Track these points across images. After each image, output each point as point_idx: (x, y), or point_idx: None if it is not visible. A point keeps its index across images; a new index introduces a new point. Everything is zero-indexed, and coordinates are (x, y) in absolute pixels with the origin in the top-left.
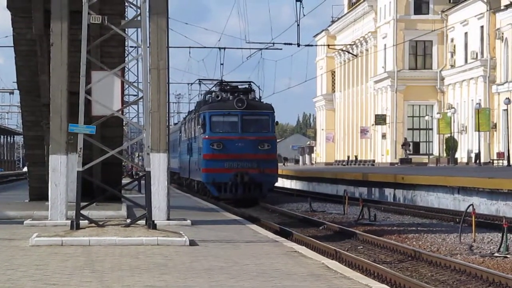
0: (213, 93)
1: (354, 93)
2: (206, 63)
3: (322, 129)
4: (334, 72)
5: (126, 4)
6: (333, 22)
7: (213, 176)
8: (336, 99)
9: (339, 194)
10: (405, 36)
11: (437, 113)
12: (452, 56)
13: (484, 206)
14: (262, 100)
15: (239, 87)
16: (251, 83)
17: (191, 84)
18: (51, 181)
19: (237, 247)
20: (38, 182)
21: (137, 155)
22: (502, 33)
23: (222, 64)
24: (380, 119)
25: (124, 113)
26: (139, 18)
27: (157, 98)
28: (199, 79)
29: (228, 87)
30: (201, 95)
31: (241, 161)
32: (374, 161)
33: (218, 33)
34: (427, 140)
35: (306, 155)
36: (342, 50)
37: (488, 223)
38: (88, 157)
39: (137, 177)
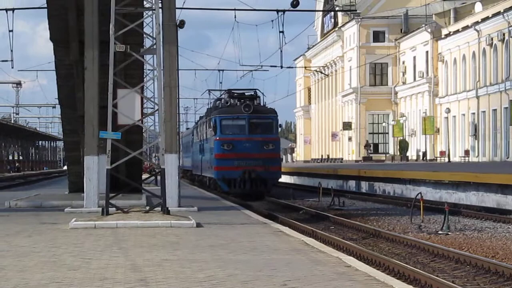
0: (223, 100)
1: (326, 105)
2: (208, 82)
3: (301, 134)
4: (310, 88)
5: (144, 35)
6: (309, 48)
7: (223, 173)
8: (312, 110)
9: (314, 185)
10: (366, 59)
11: (392, 120)
12: (403, 75)
13: (430, 194)
14: (266, 106)
15: (246, 94)
16: (257, 90)
17: (197, 99)
18: (86, 176)
19: (234, 228)
20: (76, 178)
21: (154, 156)
22: (443, 57)
23: (221, 82)
24: (346, 126)
25: (143, 122)
26: (154, 46)
27: (169, 110)
28: (209, 90)
29: (235, 94)
30: (211, 103)
31: (249, 160)
32: (342, 159)
33: (218, 58)
34: (384, 142)
35: (288, 154)
36: (316, 71)
37: (433, 208)
38: (115, 158)
39: (154, 173)
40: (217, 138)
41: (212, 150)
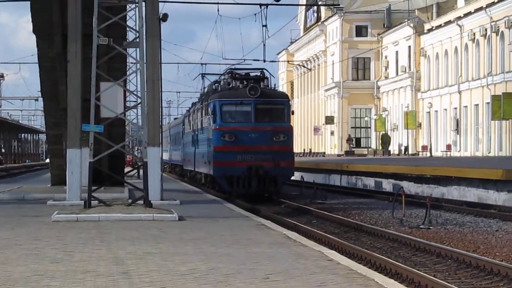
0: (222, 82)
1: (309, 99)
2: (191, 76)
3: None
4: (293, 82)
5: (127, 28)
6: (291, 43)
7: (224, 170)
8: (295, 104)
9: (297, 179)
10: (349, 54)
11: (374, 115)
12: (386, 69)
13: (412, 188)
14: (276, 88)
15: (251, 74)
16: (264, 70)
17: (179, 92)
18: (68, 169)
19: (216, 221)
20: (58, 171)
21: (136, 149)
22: (425, 52)
23: (203, 78)
24: (329, 120)
25: (126, 115)
26: (137, 40)
27: (152, 104)
28: (202, 74)
29: (238, 75)
30: (205, 88)
31: (255, 153)
32: (324, 153)
33: (201, 52)
34: (367, 136)
35: None
36: (299, 65)
37: (415, 202)
38: (97, 151)
39: (136, 166)
40: (217, 127)
41: (210, 141)
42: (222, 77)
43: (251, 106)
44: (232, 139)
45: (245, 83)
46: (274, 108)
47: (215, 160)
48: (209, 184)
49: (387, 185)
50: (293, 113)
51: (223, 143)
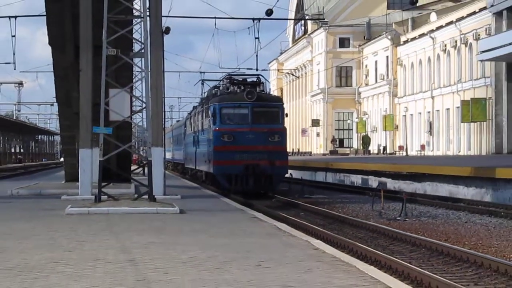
0: (221, 87)
1: (297, 104)
2: (191, 83)
3: None
4: (282, 88)
5: (134, 41)
6: (281, 53)
7: (223, 168)
8: (284, 108)
9: (286, 176)
10: (333, 63)
11: (356, 118)
12: (366, 77)
13: (390, 184)
14: (270, 93)
15: (248, 80)
16: (260, 76)
17: (180, 98)
18: (80, 167)
19: (214, 214)
20: (71, 168)
21: (142, 149)
22: (402, 61)
23: (203, 83)
24: (315, 122)
25: (132, 119)
26: (143, 51)
27: (155, 108)
28: (202, 80)
29: (236, 80)
30: (205, 93)
31: (252, 153)
32: (311, 152)
33: (200, 61)
34: (349, 137)
35: None
36: (288, 73)
37: (392, 196)
38: (106, 150)
39: (142, 164)
40: (217, 128)
41: (210, 142)
42: (221, 83)
43: (248, 109)
44: (231, 140)
45: (242, 88)
46: (269, 111)
47: (215, 159)
48: (209, 181)
49: (367, 181)
50: (287, 115)
51: (223, 143)
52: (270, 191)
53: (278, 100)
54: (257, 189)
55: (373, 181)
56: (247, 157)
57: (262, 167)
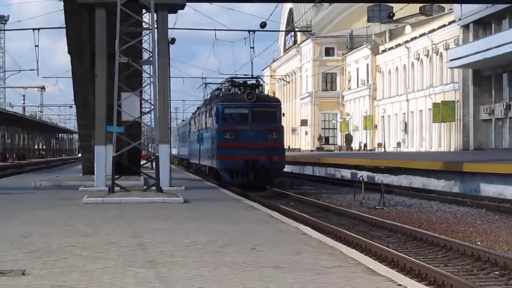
0: (223, 89)
1: (288, 106)
2: (194, 87)
3: None
4: (275, 92)
5: (143, 50)
6: (274, 61)
7: (225, 163)
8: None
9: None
10: (319, 70)
11: (340, 118)
12: (349, 82)
13: (370, 177)
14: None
15: (248, 82)
16: (259, 78)
17: (184, 101)
18: (96, 162)
19: (214, 203)
20: (88, 163)
21: (150, 146)
22: (380, 68)
23: (205, 88)
24: (304, 122)
25: (141, 119)
26: (151, 59)
27: (162, 110)
28: (205, 83)
29: (237, 82)
30: (208, 95)
31: (252, 149)
32: (300, 149)
33: (201, 68)
34: (334, 135)
35: None
36: (280, 79)
37: (372, 188)
38: (119, 147)
39: (150, 159)
40: (219, 126)
41: (213, 139)
42: (224, 85)
43: (249, 109)
44: (232, 137)
45: (243, 89)
46: (268, 110)
47: (218, 155)
48: (212, 175)
49: (350, 174)
50: (283, 115)
51: (225, 140)
52: (268, 184)
53: (276, 101)
54: (257, 182)
55: (355, 174)
56: (247, 153)
57: (261, 162)
